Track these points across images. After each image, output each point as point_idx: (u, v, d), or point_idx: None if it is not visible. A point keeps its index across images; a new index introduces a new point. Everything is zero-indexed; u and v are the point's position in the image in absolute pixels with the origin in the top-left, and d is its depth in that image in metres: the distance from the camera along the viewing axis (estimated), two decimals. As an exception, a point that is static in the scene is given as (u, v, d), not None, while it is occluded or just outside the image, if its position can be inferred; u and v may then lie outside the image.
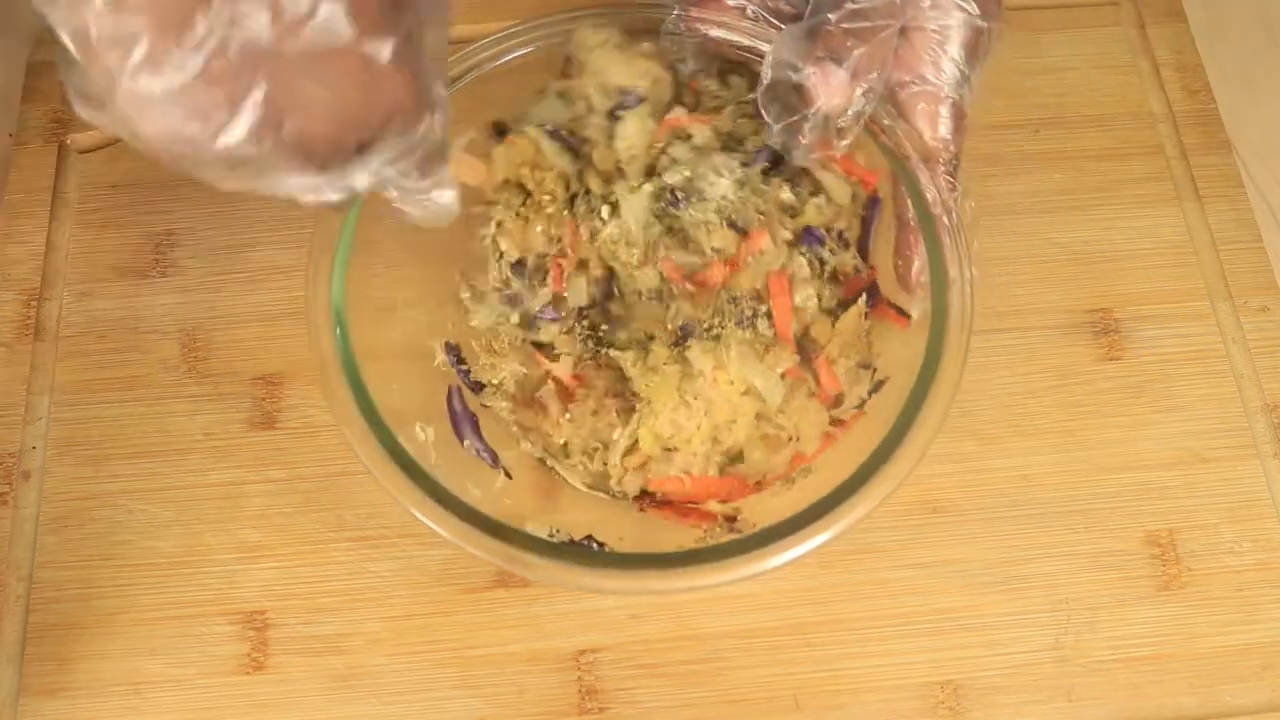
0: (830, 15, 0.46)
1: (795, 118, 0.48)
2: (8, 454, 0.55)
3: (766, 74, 0.48)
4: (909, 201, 0.49)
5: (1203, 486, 0.55)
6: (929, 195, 0.48)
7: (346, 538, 0.53)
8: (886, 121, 0.49)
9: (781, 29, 0.49)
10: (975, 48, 0.48)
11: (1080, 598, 0.53)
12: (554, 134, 0.53)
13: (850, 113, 0.47)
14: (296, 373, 0.57)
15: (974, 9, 0.47)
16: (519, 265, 0.54)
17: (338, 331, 0.46)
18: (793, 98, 0.47)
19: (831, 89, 0.46)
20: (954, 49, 0.48)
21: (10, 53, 0.65)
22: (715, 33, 0.51)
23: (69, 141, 0.63)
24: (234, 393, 0.56)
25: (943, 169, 0.49)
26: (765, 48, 0.49)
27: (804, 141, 0.48)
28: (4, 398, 0.56)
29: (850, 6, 0.46)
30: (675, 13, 0.51)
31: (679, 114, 0.53)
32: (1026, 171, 0.62)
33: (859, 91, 0.47)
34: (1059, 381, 0.57)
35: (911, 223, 0.49)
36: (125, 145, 0.64)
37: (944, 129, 0.49)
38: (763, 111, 0.49)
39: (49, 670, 0.51)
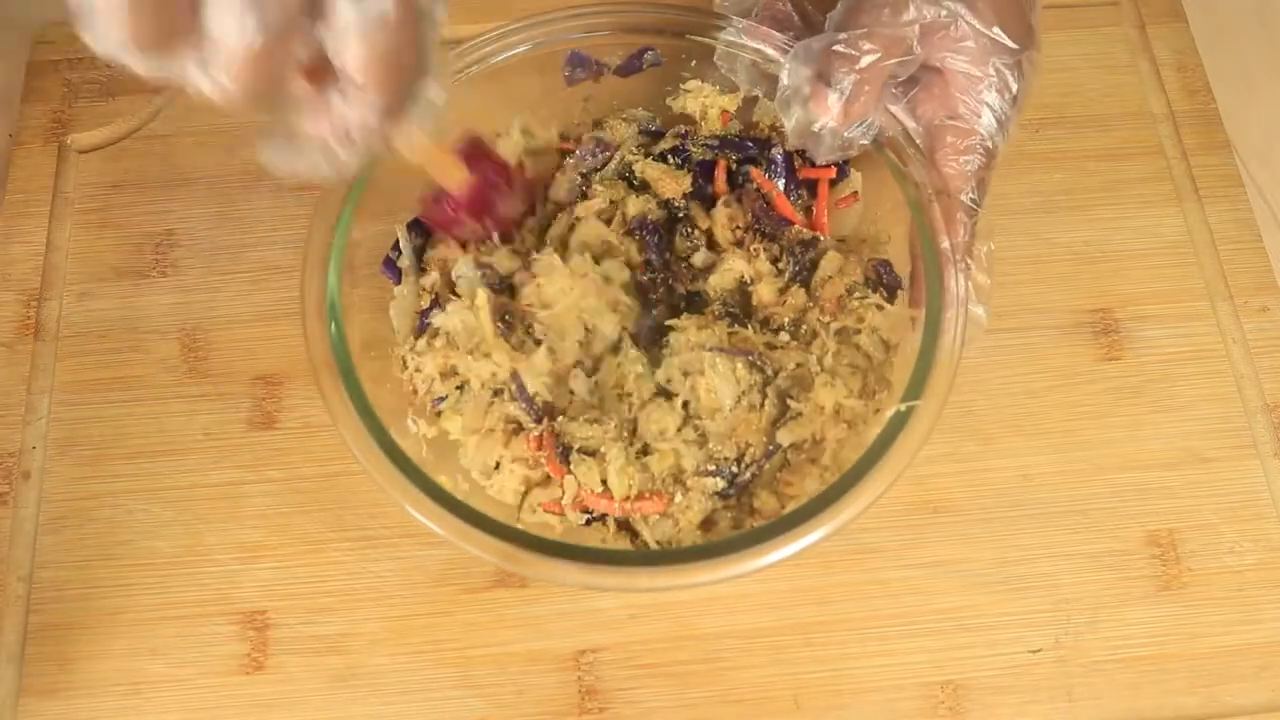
0: (841, 35, 0.46)
1: (809, 126, 0.48)
2: (8, 454, 0.55)
3: (783, 81, 0.49)
4: (920, 237, 0.49)
5: (1203, 486, 0.55)
6: (940, 234, 0.48)
7: (346, 538, 0.53)
8: (911, 151, 0.50)
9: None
10: (1010, 84, 0.48)
11: (1080, 598, 0.53)
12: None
13: (845, 133, 0.48)
14: (296, 373, 0.57)
15: (1009, 42, 0.47)
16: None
17: (332, 326, 0.47)
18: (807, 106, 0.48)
19: (825, 110, 0.47)
20: (989, 87, 0.48)
21: (10, 53, 0.65)
22: (754, 44, 0.51)
23: (69, 141, 0.63)
24: (234, 393, 0.56)
25: (962, 207, 0.49)
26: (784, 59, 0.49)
27: (820, 148, 0.49)
28: (4, 398, 0.56)
29: (858, 31, 0.46)
30: (728, 30, 0.52)
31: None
32: (1027, 171, 0.62)
33: (854, 114, 0.47)
34: (1059, 381, 0.57)
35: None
36: (125, 145, 0.65)
37: (969, 165, 0.49)
38: (779, 114, 0.49)
39: (49, 670, 0.51)
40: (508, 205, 0.52)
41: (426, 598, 0.52)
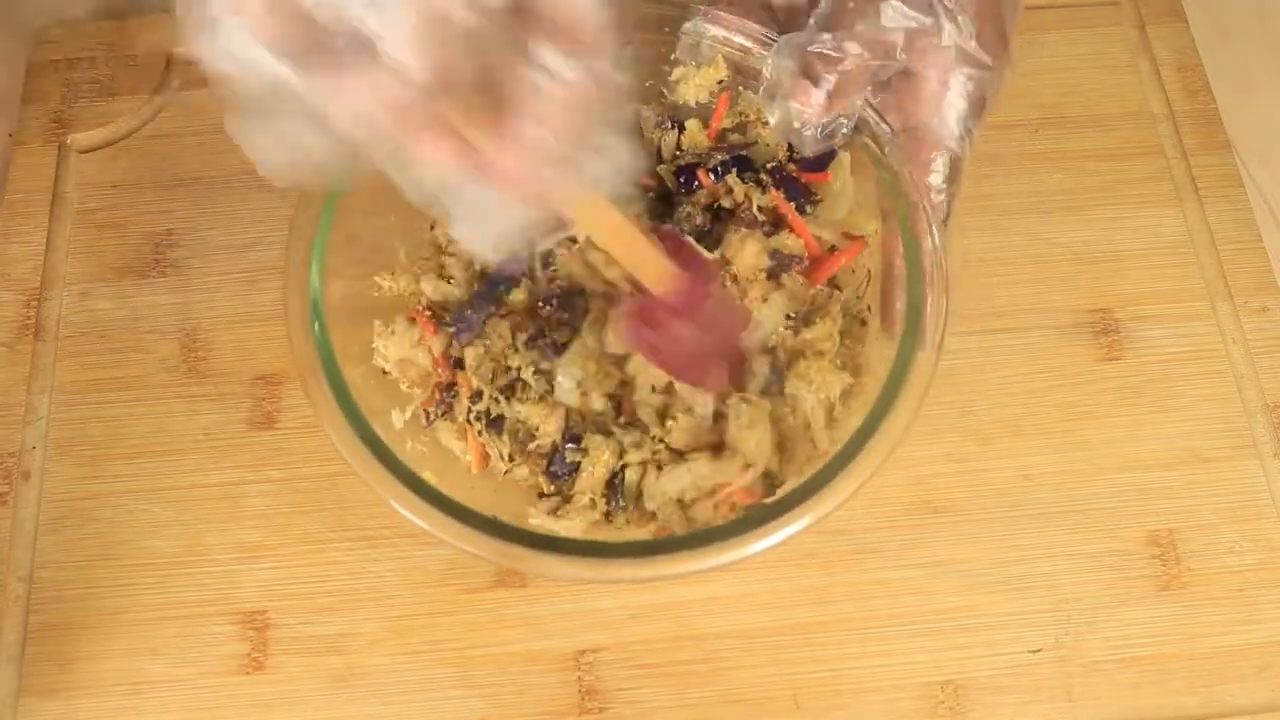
0: (826, 36, 0.47)
1: (792, 120, 0.48)
2: (8, 454, 0.55)
3: (766, 77, 0.49)
4: (899, 248, 0.49)
5: (1203, 486, 0.55)
6: (925, 245, 0.48)
7: (346, 538, 0.53)
8: (894, 163, 0.49)
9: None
10: (980, 97, 0.48)
11: (1080, 598, 0.53)
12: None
13: (824, 131, 0.48)
14: (296, 373, 0.56)
15: (985, 57, 0.47)
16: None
17: (316, 327, 0.47)
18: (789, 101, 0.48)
19: (807, 107, 0.47)
20: (957, 99, 0.48)
21: (10, 53, 0.65)
22: (731, 36, 0.51)
23: (69, 141, 0.63)
24: (234, 393, 0.56)
25: (930, 218, 0.49)
26: (768, 54, 0.49)
27: (804, 141, 0.49)
28: (4, 398, 0.56)
29: (843, 33, 0.46)
30: (695, 20, 0.52)
31: None
32: (1026, 171, 0.62)
33: (832, 113, 0.47)
34: (1059, 381, 0.57)
35: (898, 270, 0.49)
36: (125, 145, 0.65)
37: (936, 178, 0.49)
38: (764, 110, 0.49)
39: (49, 670, 0.51)
40: (724, 336, 0.47)
41: (426, 598, 0.52)
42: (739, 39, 0.52)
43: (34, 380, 0.57)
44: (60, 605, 0.52)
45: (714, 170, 0.53)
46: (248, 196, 0.61)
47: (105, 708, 0.50)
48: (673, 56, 0.53)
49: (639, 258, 0.44)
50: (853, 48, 0.46)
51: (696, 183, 0.53)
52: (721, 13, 0.52)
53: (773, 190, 0.53)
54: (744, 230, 0.52)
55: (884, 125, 0.49)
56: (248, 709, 0.50)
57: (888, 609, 0.52)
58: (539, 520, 0.49)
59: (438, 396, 0.51)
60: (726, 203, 0.53)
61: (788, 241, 0.52)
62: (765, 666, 0.51)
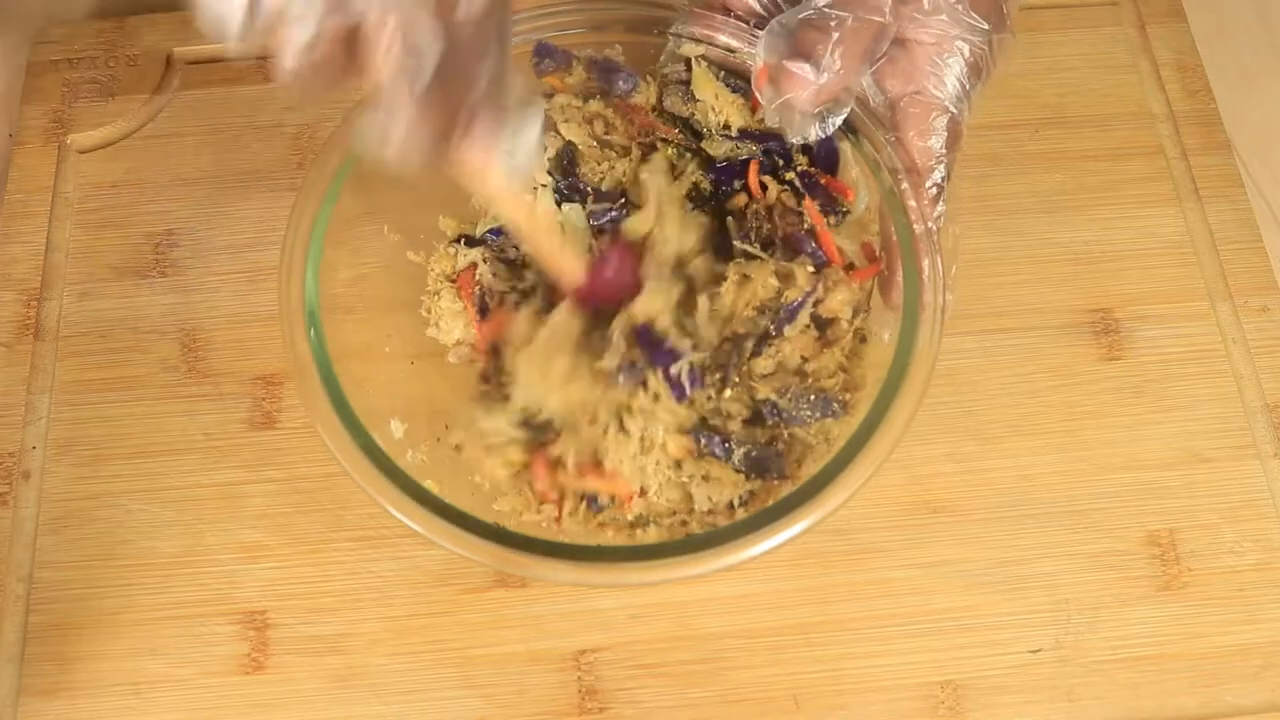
0: (814, 6, 0.46)
1: (783, 101, 0.48)
2: (8, 454, 0.55)
3: (757, 60, 0.48)
4: (893, 221, 0.49)
5: (1203, 486, 0.55)
6: (913, 215, 0.48)
7: (346, 538, 0.53)
8: (884, 137, 0.49)
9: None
10: (978, 63, 0.48)
11: (1080, 598, 0.53)
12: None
13: (817, 109, 0.48)
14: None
15: (979, 22, 0.47)
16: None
17: (312, 333, 0.47)
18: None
19: (799, 85, 0.47)
20: (956, 63, 0.47)
21: (10, 53, 0.65)
22: (715, 36, 0.51)
23: (69, 141, 0.63)
24: (234, 393, 0.56)
25: (930, 186, 0.49)
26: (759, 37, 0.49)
27: (795, 123, 0.49)
28: (4, 398, 0.56)
29: (829, 2, 0.46)
30: (680, 23, 0.52)
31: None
32: (1026, 171, 0.62)
33: (828, 90, 0.47)
34: (1059, 381, 0.57)
35: (895, 241, 0.49)
36: (125, 145, 0.64)
37: (936, 143, 0.48)
38: (756, 93, 0.49)
39: (49, 670, 0.51)
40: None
41: (426, 598, 0.52)
42: (723, 39, 0.51)
43: (34, 380, 0.57)
44: (60, 605, 0.52)
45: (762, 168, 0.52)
46: (248, 196, 0.61)
47: (105, 708, 0.50)
48: (660, 60, 0.53)
49: (549, 248, 0.47)
50: (844, 17, 0.46)
51: (741, 183, 0.52)
52: (705, 12, 0.52)
53: (806, 200, 0.51)
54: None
55: (873, 98, 0.49)
56: (248, 709, 0.50)
57: (888, 609, 0.52)
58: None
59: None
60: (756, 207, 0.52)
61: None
62: (765, 666, 0.51)
